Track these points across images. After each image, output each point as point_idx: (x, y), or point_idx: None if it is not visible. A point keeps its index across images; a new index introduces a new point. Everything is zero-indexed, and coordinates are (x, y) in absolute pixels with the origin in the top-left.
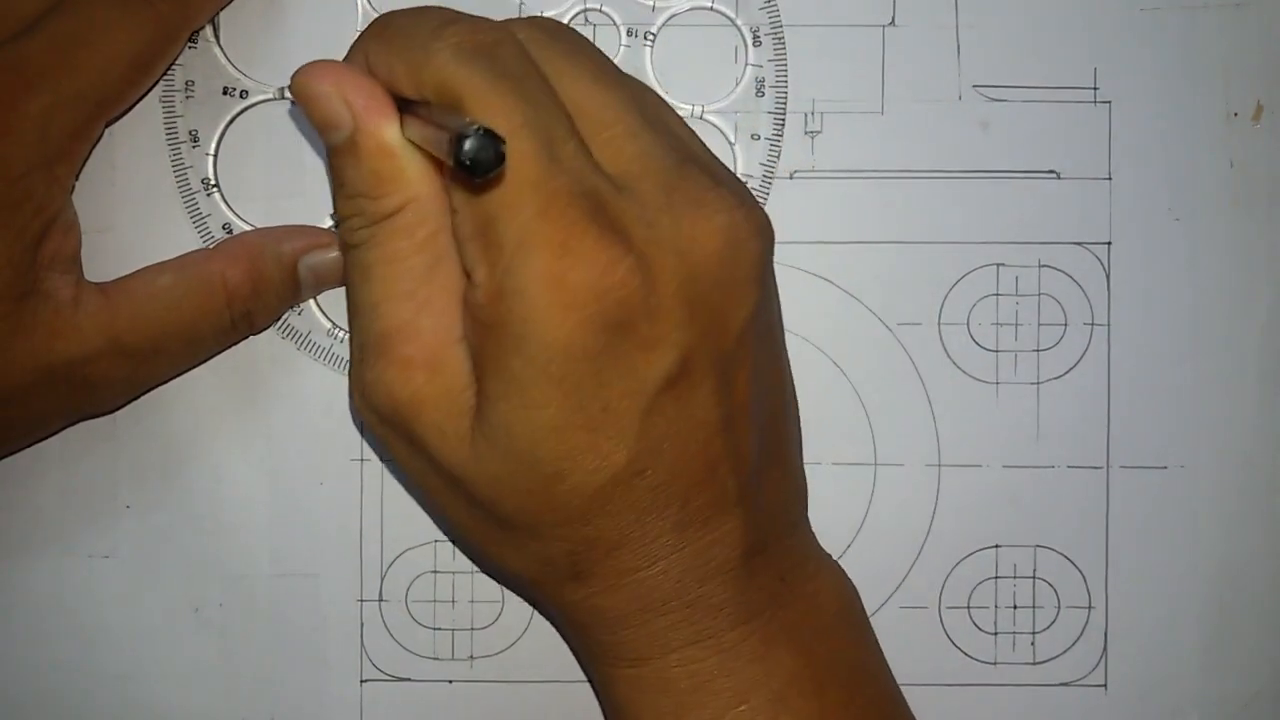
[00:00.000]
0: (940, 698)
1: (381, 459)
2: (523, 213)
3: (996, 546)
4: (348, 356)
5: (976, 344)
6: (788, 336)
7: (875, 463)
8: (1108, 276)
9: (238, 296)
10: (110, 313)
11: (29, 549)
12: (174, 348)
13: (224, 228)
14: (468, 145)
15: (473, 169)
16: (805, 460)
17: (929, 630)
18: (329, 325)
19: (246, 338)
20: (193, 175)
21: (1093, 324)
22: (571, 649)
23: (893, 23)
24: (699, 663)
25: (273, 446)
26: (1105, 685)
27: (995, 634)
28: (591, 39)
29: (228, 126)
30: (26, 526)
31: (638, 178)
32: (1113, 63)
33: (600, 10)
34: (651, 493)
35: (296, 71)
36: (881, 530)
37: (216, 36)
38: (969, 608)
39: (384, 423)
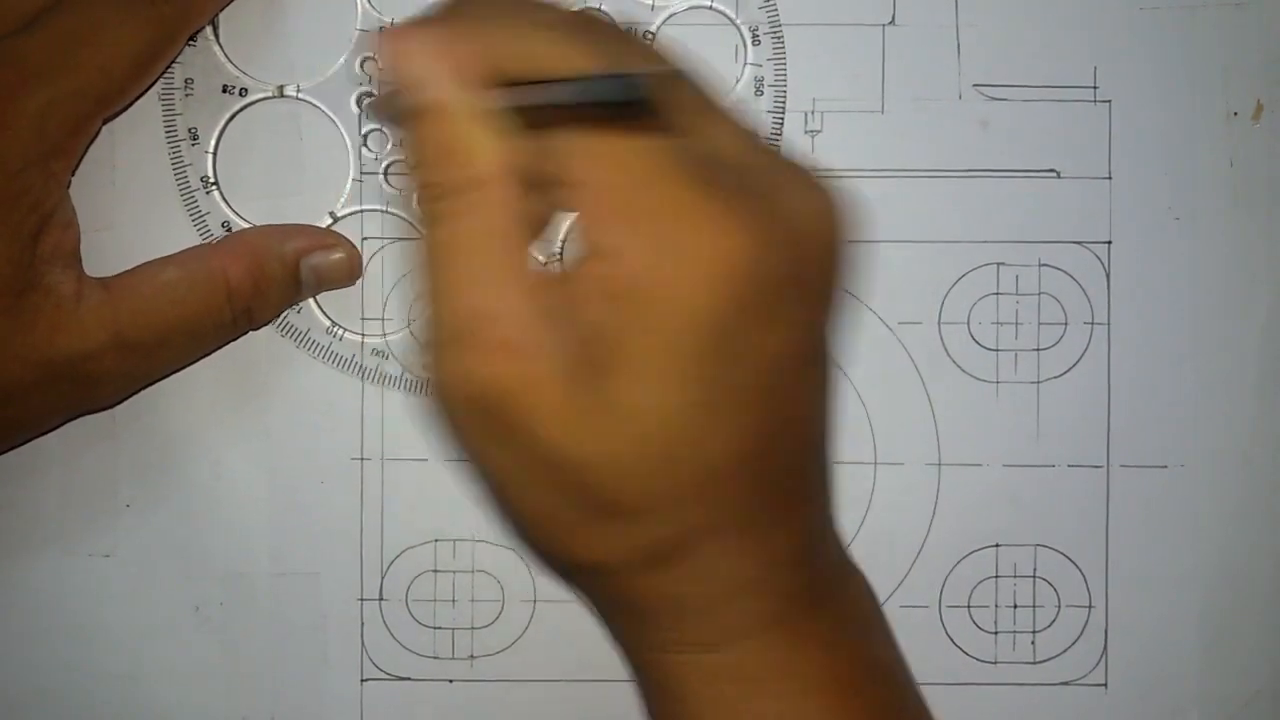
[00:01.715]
0: (940, 697)
1: (450, 456)
2: (661, 184)
3: (996, 546)
4: (346, 355)
5: (976, 343)
6: None
7: (875, 462)
8: (1108, 276)
9: (239, 293)
10: (113, 307)
11: (29, 548)
12: (176, 342)
13: (223, 225)
14: (638, 85)
15: (643, 105)
16: None
17: (929, 629)
18: (328, 323)
19: (246, 333)
20: (192, 173)
21: (1093, 323)
22: (619, 639)
23: (893, 22)
24: (773, 650)
25: (273, 445)
26: (1105, 684)
27: (995, 633)
28: None
29: (227, 124)
30: (27, 525)
31: (747, 158)
32: (1113, 62)
33: (599, 9)
34: (759, 477)
35: (389, 31)
36: (882, 529)
37: (216, 34)
38: (969, 607)
39: (472, 412)
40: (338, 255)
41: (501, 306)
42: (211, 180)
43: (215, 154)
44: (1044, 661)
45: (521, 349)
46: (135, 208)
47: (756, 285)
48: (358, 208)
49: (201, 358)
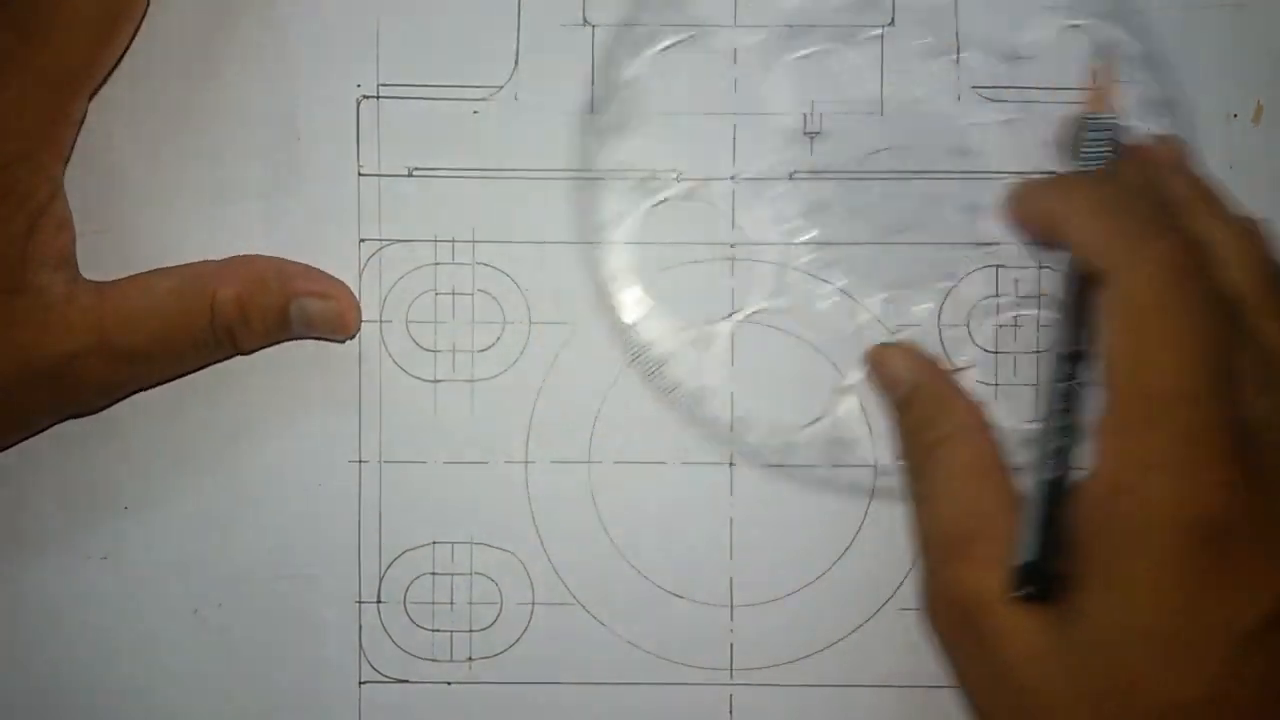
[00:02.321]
0: (940, 700)
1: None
2: (1155, 426)
3: None
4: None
5: (976, 346)
6: (786, 340)
7: (875, 465)
8: None
9: (223, 315)
10: (100, 312)
11: (28, 550)
12: (156, 354)
13: None
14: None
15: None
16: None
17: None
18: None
19: (232, 356)
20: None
21: None
22: None
23: (892, 23)
24: None
25: (271, 447)
26: None
27: None
28: None
29: None
30: (25, 527)
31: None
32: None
33: None
34: None
35: (874, 352)
36: (880, 533)
37: None
38: None
39: (952, 620)
40: (330, 306)
41: (989, 528)
42: None
43: None
44: None
45: (1001, 565)
46: (134, 210)
47: (1217, 532)
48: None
49: (186, 373)
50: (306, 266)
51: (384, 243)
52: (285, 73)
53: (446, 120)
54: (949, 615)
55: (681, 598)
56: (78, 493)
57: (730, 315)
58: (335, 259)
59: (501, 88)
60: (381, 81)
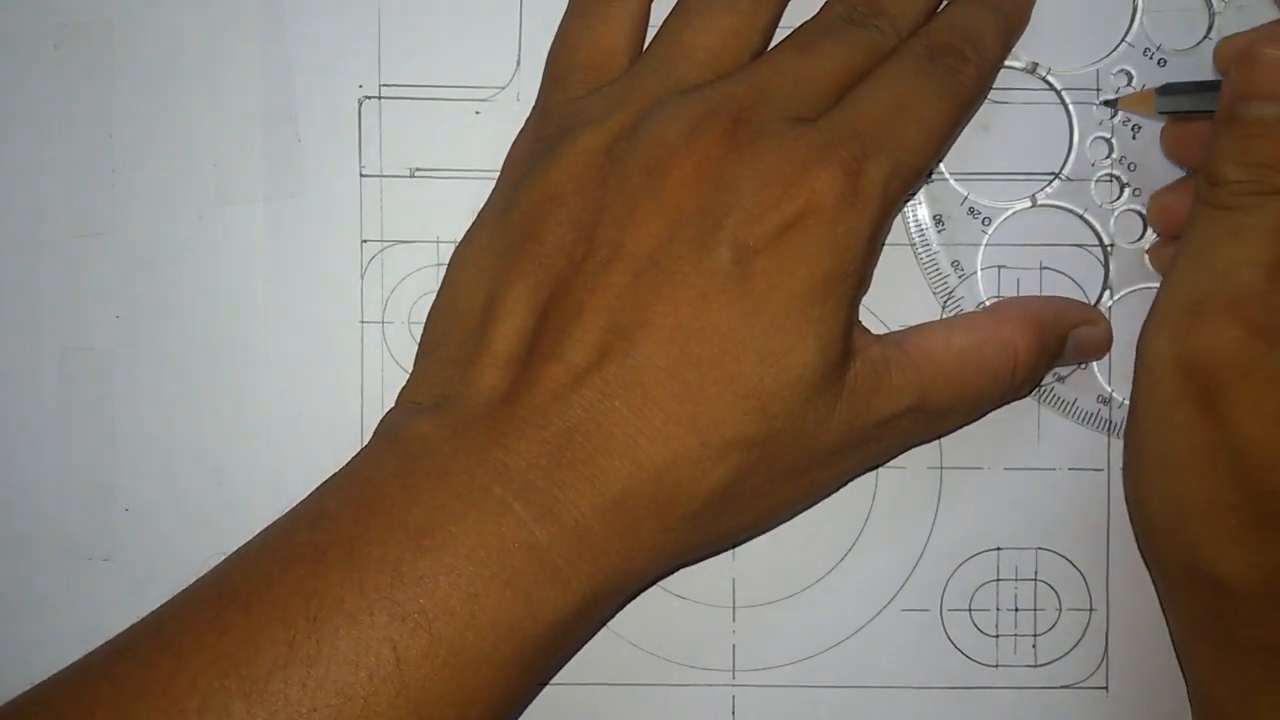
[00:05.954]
0: (942, 700)
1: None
2: None
3: (998, 549)
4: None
5: None
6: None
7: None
8: (1109, 280)
9: (1024, 365)
10: (917, 371)
11: (28, 552)
12: (961, 410)
13: (953, 265)
14: None
15: None
16: None
17: (931, 633)
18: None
19: (1009, 403)
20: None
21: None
22: (1192, 656)
23: None
24: None
25: (273, 448)
26: (1106, 687)
27: (997, 636)
28: None
29: None
30: (26, 529)
31: None
32: (1114, 65)
33: None
34: None
35: (1257, 39)
36: (883, 533)
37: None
38: (970, 610)
39: (1182, 378)
40: (1101, 330)
41: (1255, 290)
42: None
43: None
44: (1045, 665)
45: (1260, 330)
46: (134, 210)
47: None
48: (1061, 204)
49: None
50: (1064, 299)
51: (386, 244)
52: (286, 73)
53: (449, 121)
54: (1183, 371)
55: (684, 598)
56: (78, 494)
57: None
58: (337, 260)
59: (504, 88)
60: (383, 82)
